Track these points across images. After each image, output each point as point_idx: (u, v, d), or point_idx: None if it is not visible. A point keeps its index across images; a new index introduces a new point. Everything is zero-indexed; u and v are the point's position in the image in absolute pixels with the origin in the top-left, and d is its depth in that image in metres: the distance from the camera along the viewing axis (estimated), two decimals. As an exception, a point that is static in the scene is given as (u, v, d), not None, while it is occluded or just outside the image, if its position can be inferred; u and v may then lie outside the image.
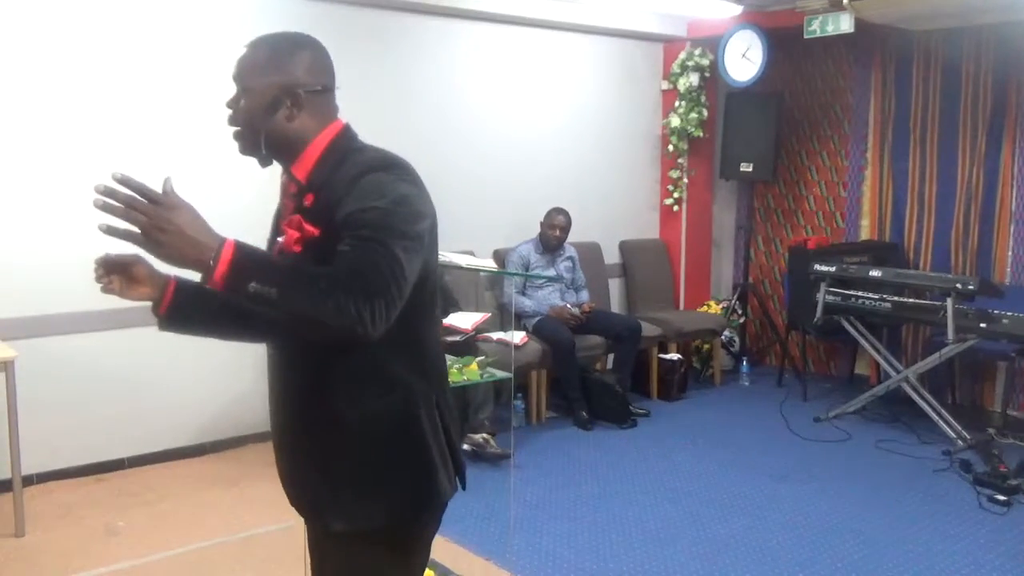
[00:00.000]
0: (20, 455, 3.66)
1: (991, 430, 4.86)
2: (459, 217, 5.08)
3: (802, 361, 6.23)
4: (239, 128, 1.67)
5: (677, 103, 6.38)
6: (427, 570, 2.88)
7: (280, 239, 1.66)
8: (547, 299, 5.49)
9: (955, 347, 4.83)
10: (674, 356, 5.92)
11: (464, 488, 1.82)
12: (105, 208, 1.33)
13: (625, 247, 6.46)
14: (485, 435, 4.56)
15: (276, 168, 1.72)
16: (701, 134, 6.41)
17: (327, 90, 1.70)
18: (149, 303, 1.75)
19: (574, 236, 5.65)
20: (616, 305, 6.38)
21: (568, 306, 5.45)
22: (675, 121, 6.35)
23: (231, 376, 4.70)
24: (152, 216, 1.34)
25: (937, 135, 5.80)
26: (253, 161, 1.71)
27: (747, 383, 6.25)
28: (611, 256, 6.34)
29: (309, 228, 1.59)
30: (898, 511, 4.10)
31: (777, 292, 6.83)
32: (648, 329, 5.70)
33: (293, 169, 1.67)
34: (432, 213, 1.63)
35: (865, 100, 6.21)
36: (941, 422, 5.01)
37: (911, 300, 5.12)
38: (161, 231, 1.35)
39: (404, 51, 5.20)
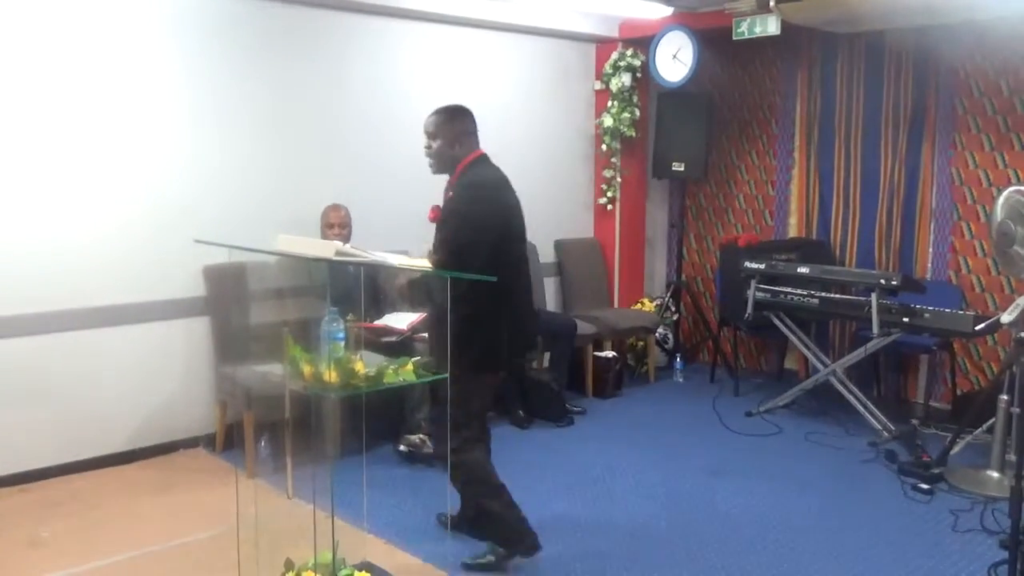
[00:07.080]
0: (-64, 466, 3.53)
1: (914, 421, 5.00)
2: (391, 217, 5.07)
3: (734, 357, 6.35)
4: (435, 160, 3.36)
5: (610, 103, 6.44)
6: (363, 572, 2.85)
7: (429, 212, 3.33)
8: (483, 298, 5.49)
9: (879, 341, 4.97)
10: (609, 354, 5.97)
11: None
12: None
13: (560, 246, 6.50)
14: (422, 436, 4.54)
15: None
16: (634, 134, 6.48)
17: (473, 133, 3.36)
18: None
19: (509, 235, 5.65)
20: (551, 304, 6.41)
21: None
22: (608, 121, 6.41)
23: (160, 380, 4.60)
24: None
25: (861, 135, 5.95)
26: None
27: (681, 379, 6.34)
28: (546, 255, 6.36)
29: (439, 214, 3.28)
30: (827, 501, 4.20)
31: (709, 289, 6.94)
32: (583, 327, 5.75)
33: (450, 177, 3.33)
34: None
35: (792, 101, 6.34)
36: (867, 414, 5.14)
37: (837, 296, 5.23)
38: None
39: (337, 50, 5.14)
